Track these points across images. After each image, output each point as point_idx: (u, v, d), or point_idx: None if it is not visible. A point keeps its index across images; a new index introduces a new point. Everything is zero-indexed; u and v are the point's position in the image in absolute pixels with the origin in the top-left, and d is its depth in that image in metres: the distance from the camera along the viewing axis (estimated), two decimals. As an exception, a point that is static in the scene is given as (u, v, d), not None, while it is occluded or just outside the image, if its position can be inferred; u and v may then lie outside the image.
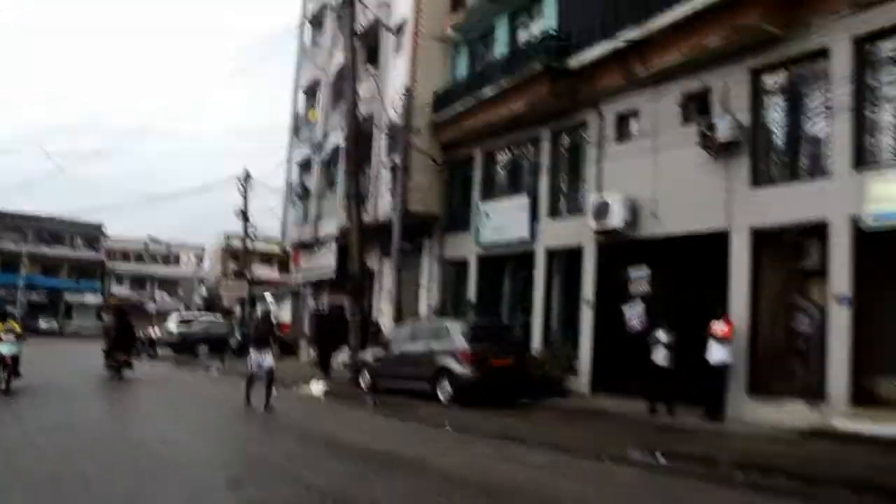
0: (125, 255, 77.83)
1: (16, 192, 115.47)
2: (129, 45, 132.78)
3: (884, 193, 10.90)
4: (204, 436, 11.55)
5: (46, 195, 72.93)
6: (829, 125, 11.97)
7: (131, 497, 6.68)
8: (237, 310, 38.23)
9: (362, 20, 24.82)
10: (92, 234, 71.76)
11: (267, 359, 14.04)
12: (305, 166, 31.61)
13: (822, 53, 12.11)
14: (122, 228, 74.06)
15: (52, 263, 69.31)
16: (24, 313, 51.74)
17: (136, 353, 21.80)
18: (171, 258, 79.47)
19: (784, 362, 12.64)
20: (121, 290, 72.97)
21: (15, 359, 15.01)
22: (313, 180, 30.27)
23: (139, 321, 28.25)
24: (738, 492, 8.09)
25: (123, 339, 20.00)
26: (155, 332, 34.16)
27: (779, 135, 13.14)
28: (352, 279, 19.97)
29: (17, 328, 15.72)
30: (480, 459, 9.64)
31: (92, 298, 67.20)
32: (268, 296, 39.30)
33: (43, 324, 57.45)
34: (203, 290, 67.52)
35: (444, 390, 15.17)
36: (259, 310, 18.38)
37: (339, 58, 25.75)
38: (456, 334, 15.44)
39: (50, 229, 69.43)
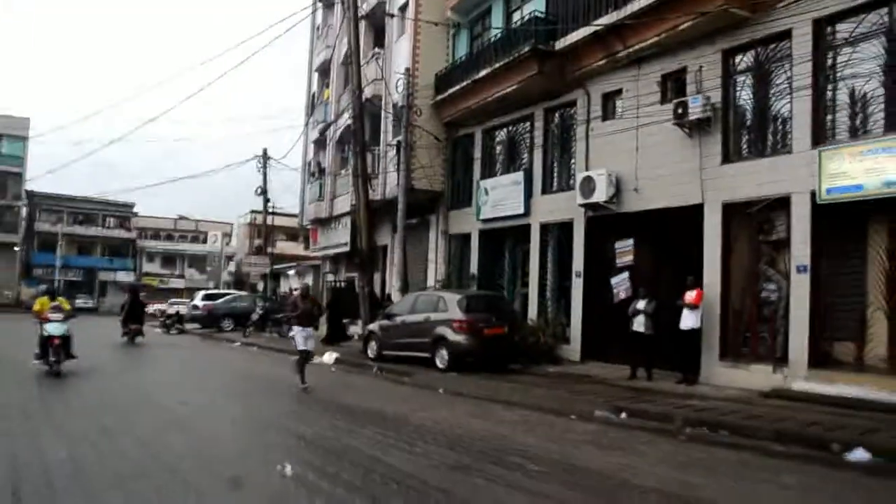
0: (156, 234, 79.92)
1: (48, 177, 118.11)
2: (135, 35, 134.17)
3: (837, 169, 11.59)
4: (216, 398, 12.74)
5: (75, 180, 74.97)
6: (792, 104, 12.62)
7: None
8: (259, 285, 39.52)
9: (369, 1, 25.67)
10: (123, 214, 73.95)
11: (308, 341, 13.58)
12: (320, 144, 32.59)
13: (786, 34, 12.73)
14: (151, 208, 76.02)
15: (86, 243, 71.67)
16: (63, 292, 53.74)
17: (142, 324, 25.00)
18: (199, 236, 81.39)
19: (752, 328, 13.45)
20: (152, 268, 75.09)
21: (65, 339, 14.17)
22: (328, 159, 31.26)
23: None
24: (677, 442, 9.05)
25: (134, 312, 24.35)
26: (182, 308, 35.66)
27: (748, 113, 13.81)
28: (360, 254, 21.00)
29: (66, 306, 15.02)
30: (458, 416, 10.65)
31: (124, 276, 69.23)
32: (291, 272, 40.61)
33: (80, 302, 59.54)
34: (231, 267, 69.27)
35: (442, 357, 16.18)
36: (300, 285, 18.90)
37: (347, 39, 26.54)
38: (452, 305, 16.42)
39: (84, 210, 71.72)
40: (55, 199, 67.84)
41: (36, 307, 15.23)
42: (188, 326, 33.32)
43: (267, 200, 36.50)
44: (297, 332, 13.64)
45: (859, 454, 7.84)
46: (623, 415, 10.59)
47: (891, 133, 11.17)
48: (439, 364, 16.16)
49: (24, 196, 63.44)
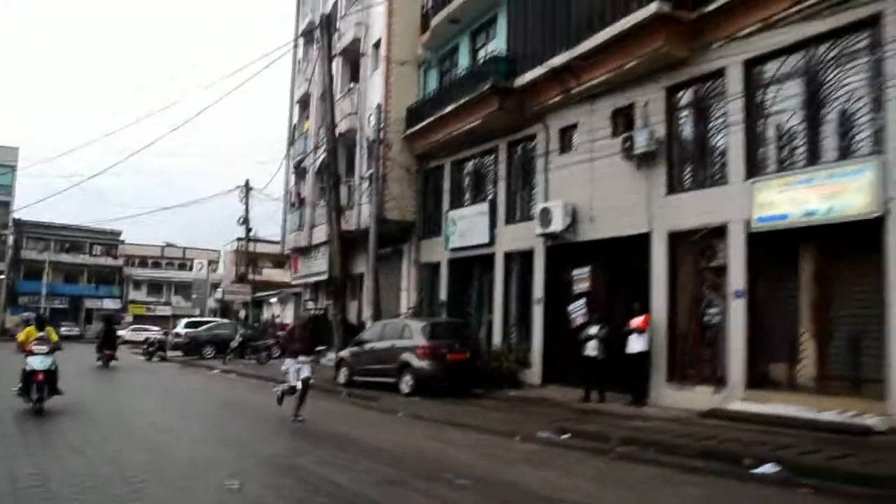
0: (143, 262, 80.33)
1: (39, 206, 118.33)
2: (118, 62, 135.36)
3: (766, 199, 12.35)
4: (185, 421, 13.25)
5: (65, 208, 75.64)
6: (728, 138, 13.40)
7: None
8: (241, 313, 40.07)
9: (347, 37, 26.56)
10: (110, 242, 74.41)
11: (305, 368, 12.88)
12: (301, 175, 33.31)
13: (721, 73, 13.55)
14: (140, 236, 76.59)
15: (72, 271, 72.00)
16: (48, 320, 53.99)
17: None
18: (187, 264, 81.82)
19: (696, 351, 14.12)
20: (138, 295, 75.40)
21: (50, 374, 12.77)
22: (307, 189, 31.96)
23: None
24: (608, 459, 9.68)
25: (109, 339, 26.55)
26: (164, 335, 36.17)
27: (690, 146, 14.59)
28: (334, 283, 21.66)
29: (54, 337, 13.68)
30: (410, 438, 11.28)
31: (110, 304, 69.47)
32: (273, 299, 41.14)
33: (65, 330, 59.72)
34: (218, 294, 69.65)
35: (406, 383, 16.77)
36: (301, 314, 18.97)
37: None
38: (416, 332, 17.06)
39: (70, 238, 72.15)
40: (42, 227, 68.21)
41: (21, 337, 14.48)
42: (170, 354, 33.76)
43: (249, 230, 37.16)
44: (290, 365, 13.08)
45: (768, 468, 8.47)
46: (565, 435, 11.20)
47: (811, 166, 11.94)
48: (404, 389, 16.74)
49: (11, 224, 63.82)
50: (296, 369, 12.89)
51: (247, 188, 36.70)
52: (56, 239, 70.97)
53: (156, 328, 49.02)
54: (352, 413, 14.87)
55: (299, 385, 12.75)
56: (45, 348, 12.92)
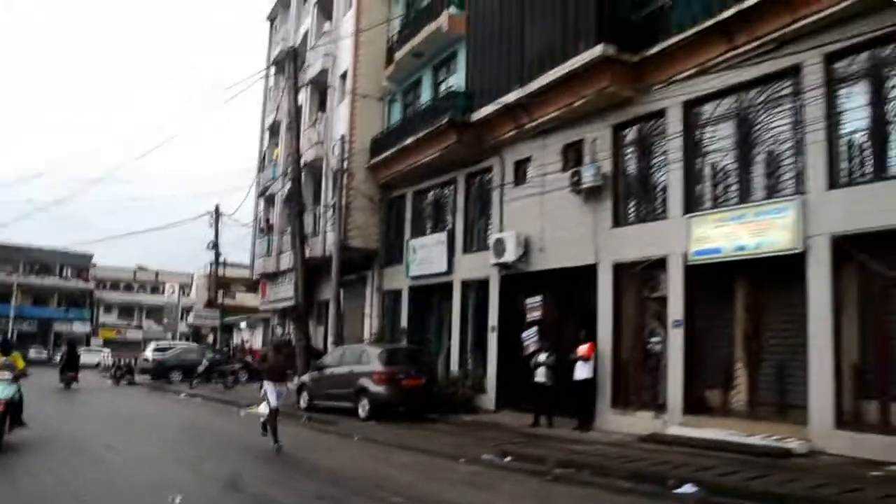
0: (115, 285, 79.89)
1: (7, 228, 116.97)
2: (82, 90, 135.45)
3: (702, 234, 13.05)
4: (143, 443, 13.51)
5: (33, 230, 74.92)
6: (668, 175, 14.11)
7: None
8: (210, 337, 40.24)
9: (315, 67, 27.20)
10: (81, 265, 73.90)
11: (281, 395, 13.09)
12: (269, 202, 33.76)
13: (662, 113, 14.29)
14: (114, 258, 76.25)
15: (42, 293, 71.41)
16: (14, 344, 53.57)
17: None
18: (159, 287, 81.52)
19: (639, 378, 14.71)
20: (109, 319, 74.94)
21: (13, 405, 11.71)
22: (275, 216, 32.39)
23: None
24: (542, 481, 10.17)
25: (71, 362, 28.02)
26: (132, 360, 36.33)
27: (634, 181, 15.30)
28: (297, 310, 22.09)
29: (20, 363, 12.52)
30: (358, 460, 11.75)
31: (80, 327, 69.03)
32: (242, 324, 41.33)
33: (33, 353, 59.24)
34: (191, 318, 69.46)
35: (364, 407, 17.18)
36: (274, 338, 18.80)
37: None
38: (373, 358, 17.53)
39: (40, 260, 71.56)
40: (10, 249, 67.58)
41: None
42: (139, 378, 33.88)
43: (218, 254, 37.47)
44: (269, 389, 12.98)
45: (687, 488, 9.01)
46: (507, 458, 11.70)
47: (742, 204, 12.68)
48: (361, 413, 17.14)
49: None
50: (276, 394, 12.87)
51: (216, 213, 37.06)
52: (25, 261, 70.42)
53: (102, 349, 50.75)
54: (309, 437, 15.25)
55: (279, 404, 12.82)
56: (8, 375, 11.72)
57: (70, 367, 27.68)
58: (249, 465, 10.94)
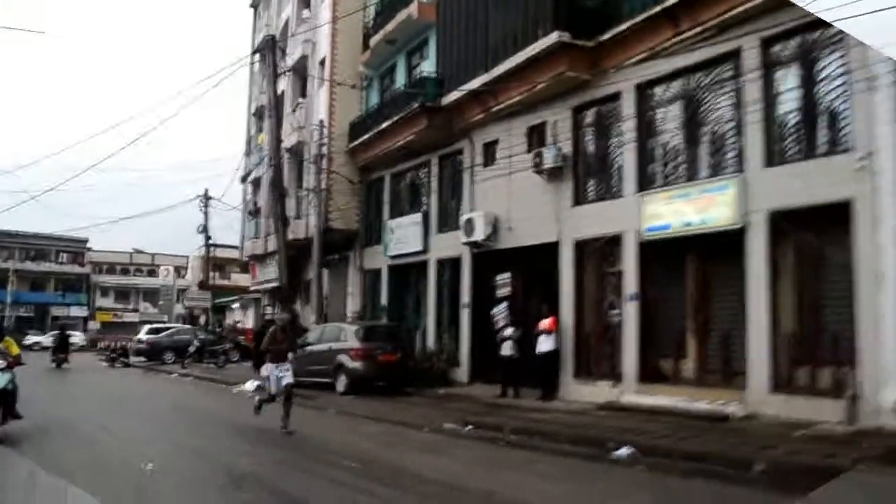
0: (111, 269, 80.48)
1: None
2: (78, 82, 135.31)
3: (653, 211, 13.72)
4: (130, 422, 14.05)
5: (28, 216, 75.42)
6: (623, 155, 14.75)
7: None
8: (202, 319, 41.00)
9: (296, 54, 27.70)
10: (77, 249, 74.56)
11: (287, 375, 12.28)
12: (256, 185, 34.32)
13: (617, 95, 14.90)
14: (109, 241, 76.47)
15: (38, 279, 72.08)
16: (13, 328, 54.44)
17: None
18: (155, 270, 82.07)
19: (600, 349, 15.44)
20: (105, 302, 75.63)
21: (7, 394, 10.78)
22: (263, 199, 32.98)
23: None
24: (496, 447, 10.90)
25: (62, 345, 30.22)
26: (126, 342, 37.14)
27: (592, 162, 15.94)
28: (281, 290, 22.80)
29: (14, 350, 11.49)
30: (327, 431, 12.55)
31: (77, 311, 69.74)
32: (235, 305, 42.07)
33: (32, 337, 59.97)
34: (186, 300, 70.17)
35: (342, 382, 18.00)
36: (277, 319, 18.70)
37: (279, 86, 28.53)
38: (350, 335, 18.31)
39: (36, 246, 72.28)
40: (6, 235, 68.19)
41: None
42: (133, 360, 34.66)
43: (208, 237, 38.12)
44: (271, 371, 12.43)
45: (623, 451, 9.72)
46: (468, 427, 12.43)
47: (689, 182, 13.37)
48: (339, 388, 17.94)
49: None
50: (277, 376, 12.26)
51: (206, 197, 37.69)
52: (21, 247, 71.07)
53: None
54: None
55: (280, 391, 12.19)
56: (1, 363, 10.82)
57: (61, 350, 29.92)
58: (222, 439, 11.74)
